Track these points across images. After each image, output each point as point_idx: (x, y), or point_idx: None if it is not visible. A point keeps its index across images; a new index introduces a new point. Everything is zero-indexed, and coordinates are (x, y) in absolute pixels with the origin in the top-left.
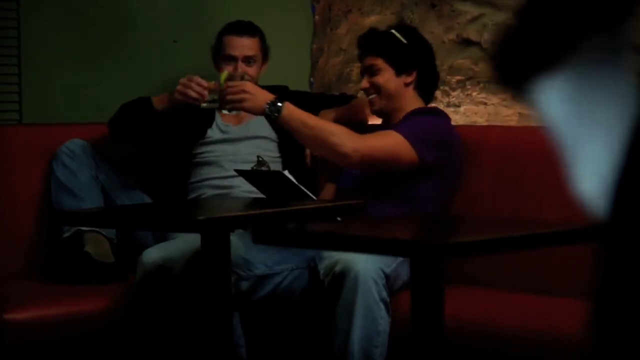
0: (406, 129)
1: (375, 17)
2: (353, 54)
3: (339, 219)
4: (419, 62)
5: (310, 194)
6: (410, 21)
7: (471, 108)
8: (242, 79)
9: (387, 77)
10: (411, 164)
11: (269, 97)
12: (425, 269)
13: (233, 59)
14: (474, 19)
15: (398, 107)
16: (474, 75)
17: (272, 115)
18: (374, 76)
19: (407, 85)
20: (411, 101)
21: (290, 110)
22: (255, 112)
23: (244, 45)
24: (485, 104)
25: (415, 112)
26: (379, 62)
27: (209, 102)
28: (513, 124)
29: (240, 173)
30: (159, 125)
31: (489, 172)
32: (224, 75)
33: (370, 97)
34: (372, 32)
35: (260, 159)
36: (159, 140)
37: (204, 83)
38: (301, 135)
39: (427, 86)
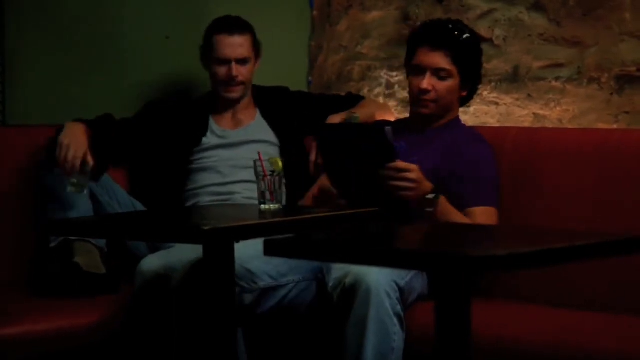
0: (490, 196)
1: (377, 12)
2: (354, 52)
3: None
4: (477, 81)
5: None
6: (416, 17)
7: (482, 108)
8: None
9: (453, 88)
10: None
11: (429, 187)
12: (448, 285)
13: (226, 62)
14: (485, 14)
15: (442, 115)
16: (485, 74)
17: (426, 207)
18: (441, 80)
19: (459, 98)
20: (453, 111)
21: (442, 206)
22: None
23: (236, 45)
24: (497, 104)
25: (475, 151)
26: (453, 70)
27: (73, 184)
28: (527, 124)
29: (322, 128)
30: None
31: (505, 174)
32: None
33: (427, 101)
34: (453, 31)
35: (354, 113)
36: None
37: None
38: None
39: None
